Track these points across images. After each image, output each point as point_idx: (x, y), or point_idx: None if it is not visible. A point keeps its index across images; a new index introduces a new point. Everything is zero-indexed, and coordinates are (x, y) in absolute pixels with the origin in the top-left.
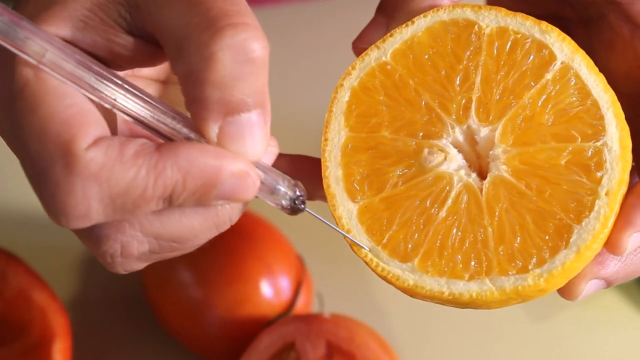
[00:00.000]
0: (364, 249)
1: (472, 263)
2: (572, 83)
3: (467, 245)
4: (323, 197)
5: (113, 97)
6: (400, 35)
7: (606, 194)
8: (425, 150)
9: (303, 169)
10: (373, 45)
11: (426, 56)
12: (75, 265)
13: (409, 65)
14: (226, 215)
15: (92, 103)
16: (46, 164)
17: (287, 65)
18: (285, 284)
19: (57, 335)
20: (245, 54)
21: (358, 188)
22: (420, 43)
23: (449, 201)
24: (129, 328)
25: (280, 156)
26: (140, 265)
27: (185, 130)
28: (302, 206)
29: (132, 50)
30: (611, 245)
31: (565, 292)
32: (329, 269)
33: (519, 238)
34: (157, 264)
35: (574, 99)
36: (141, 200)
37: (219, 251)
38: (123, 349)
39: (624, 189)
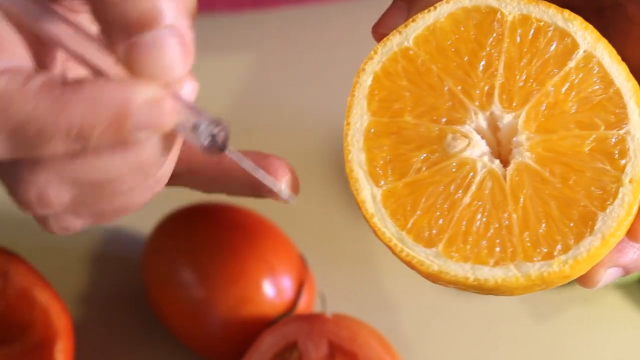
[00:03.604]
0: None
1: (497, 249)
2: (595, 71)
3: (491, 231)
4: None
5: (36, 16)
6: (423, 21)
7: (630, 182)
8: (449, 136)
9: (269, 165)
10: (395, 30)
11: (449, 42)
12: (77, 264)
13: (432, 51)
14: (149, 153)
15: (15, 31)
16: None
17: (290, 67)
18: (287, 283)
19: (60, 334)
20: None
21: (381, 173)
22: (443, 29)
23: (473, 187)
24: (131, 328)
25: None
26: (75, 222)
27: (109, 60)
28: (227, 143)
29: None
30: (633, 232)
31: (584, 280)
32: (332, 269)
33: (543, 224)
34: (158, 264)
35: (597, 87)
36: (44, 134)
37: (220, 251)
38: (125, 348)
39: None
